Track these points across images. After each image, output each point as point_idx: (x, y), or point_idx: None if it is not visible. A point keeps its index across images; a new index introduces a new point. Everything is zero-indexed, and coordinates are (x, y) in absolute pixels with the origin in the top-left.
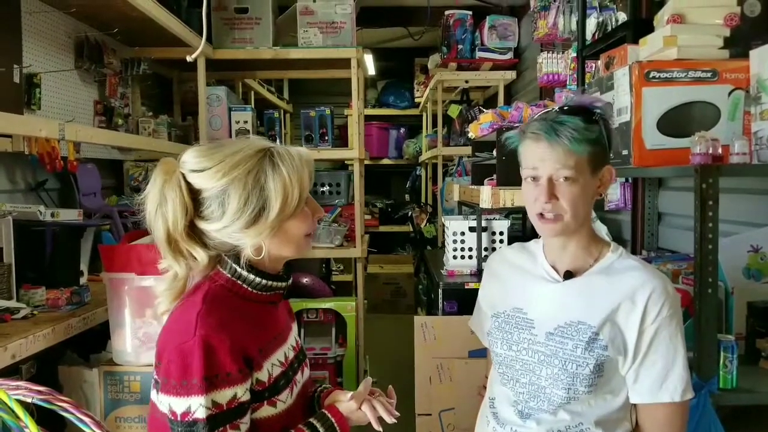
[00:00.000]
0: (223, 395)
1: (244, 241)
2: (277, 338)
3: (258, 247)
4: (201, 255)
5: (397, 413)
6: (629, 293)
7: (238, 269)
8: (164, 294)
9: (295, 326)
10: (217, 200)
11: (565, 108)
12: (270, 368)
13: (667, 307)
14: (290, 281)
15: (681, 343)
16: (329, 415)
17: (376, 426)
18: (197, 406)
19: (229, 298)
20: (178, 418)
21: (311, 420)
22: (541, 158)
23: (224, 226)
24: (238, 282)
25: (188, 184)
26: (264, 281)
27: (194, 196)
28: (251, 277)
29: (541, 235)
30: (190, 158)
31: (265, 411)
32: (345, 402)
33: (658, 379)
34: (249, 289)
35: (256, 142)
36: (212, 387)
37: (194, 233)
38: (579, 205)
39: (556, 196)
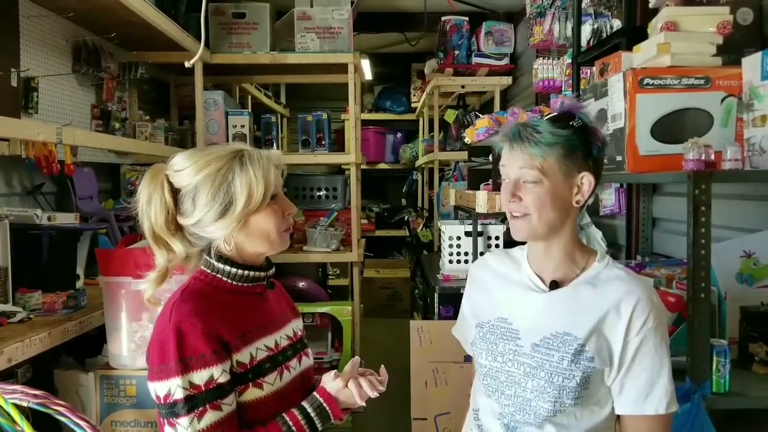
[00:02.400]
0: (200, 376)
1: (215, 234)
2: (267, 326)
3: (228, 240)
4: (179, 248)
5: (382, 388)
6: (614, 303)
7: (215, 263)
8: (149, 281)
9: (297, 321)
10: (190, 196)
11: (551, 115)
12: (254, 352)
13: (653, 317)
14: (271, 271)
15: (666, 355)
16: (317, 395)
17: (359, 402)
18: (176, 387)
19: (209, 291)
20: (162, 401)
21: (302, 402)
22: (509, 159)
23: (197, 220)
24: (218, 276)
25: (170, 184)
26: (241, 271)
27: (175, 195)
28: (227, 268)
29: (513, 236)
30: (176, 160)
31: (252, 393)
32: (331, 381)
33: (643, 391)
34: (228, 281)
35: (232, 145)
36: (188, 369)
37: (179, 231)
38: (545, 207)
39: (520, 197)
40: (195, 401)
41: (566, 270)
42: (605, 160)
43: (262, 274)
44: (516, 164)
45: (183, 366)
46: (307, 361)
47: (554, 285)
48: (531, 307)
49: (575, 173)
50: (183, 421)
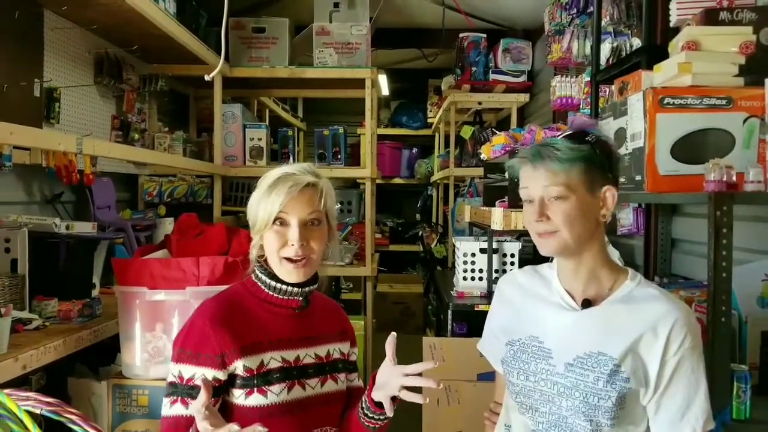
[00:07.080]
0: (186, 370)
1: (254, 241)
2: (294, 341)
3: (257, 248)
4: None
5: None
6: (651, 324)
7: (258, 272)
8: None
9: (339, 344)
10: None
11: (566, 133)
12: (266, 360)
13: (690, 338)
14: (307, 288)
15: (702, 374)
16: None
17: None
18: (172, 370)
19: (245, 296)
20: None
21: None
22: (531, 180)
23: (251, 226)
24: (258, 284)
25: None
26: (273, 283)
27: None
28: (264, 278)
29: (542, 252)
30: None
31: (256, 399)
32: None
33: (680, 410)
34: (265, 290)
35: (283, 169)
36: (180, 359)
37: None
38: (575, 223)
39: (548, 216)
40: (174, 389)
41: (596, 288)
42: (623, 179)
43: (296, 289)
44: (539, 183)
45: (178, 354)
46: (333, 386)
47: (587, 303)
48: (563, 325)
49: (598, 187)
50: (165, 401)
